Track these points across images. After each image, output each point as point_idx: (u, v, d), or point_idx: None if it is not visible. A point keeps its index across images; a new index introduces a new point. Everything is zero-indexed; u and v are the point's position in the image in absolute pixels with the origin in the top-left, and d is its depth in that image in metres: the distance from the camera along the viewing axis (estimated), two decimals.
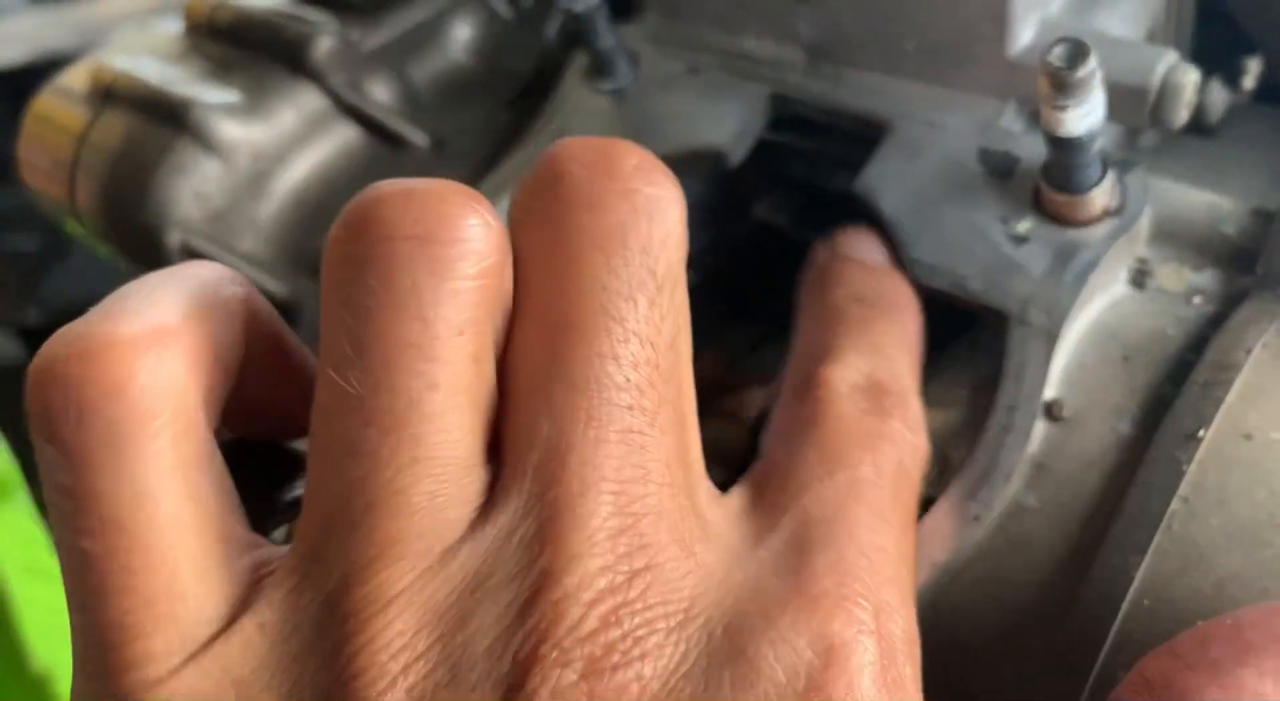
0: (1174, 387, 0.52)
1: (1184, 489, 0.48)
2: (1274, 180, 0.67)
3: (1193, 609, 0.46)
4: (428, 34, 0.81)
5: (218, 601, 0.34)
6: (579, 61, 0.73)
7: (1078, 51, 0.47)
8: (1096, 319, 0.55)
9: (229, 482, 0.37)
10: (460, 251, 0.35)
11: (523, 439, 0.35)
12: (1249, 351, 0.52)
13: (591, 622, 0.32)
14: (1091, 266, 0.54)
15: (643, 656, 0.32)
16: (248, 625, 0.33)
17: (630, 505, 0.34)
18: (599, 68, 0.71)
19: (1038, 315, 0.54)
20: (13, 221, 2.85)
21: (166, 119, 0.73)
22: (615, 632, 0.32)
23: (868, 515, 0.39)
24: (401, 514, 0.33)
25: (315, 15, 0.78)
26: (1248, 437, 0.49)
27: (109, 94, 0.77)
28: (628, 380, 0.36)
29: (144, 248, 0.74)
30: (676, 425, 0.38)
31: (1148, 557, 0.47)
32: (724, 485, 0.61)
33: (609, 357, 0.36)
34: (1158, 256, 0.58)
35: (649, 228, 0.38)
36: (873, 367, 0.48)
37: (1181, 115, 0.57)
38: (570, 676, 0.31)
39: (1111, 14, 0.61)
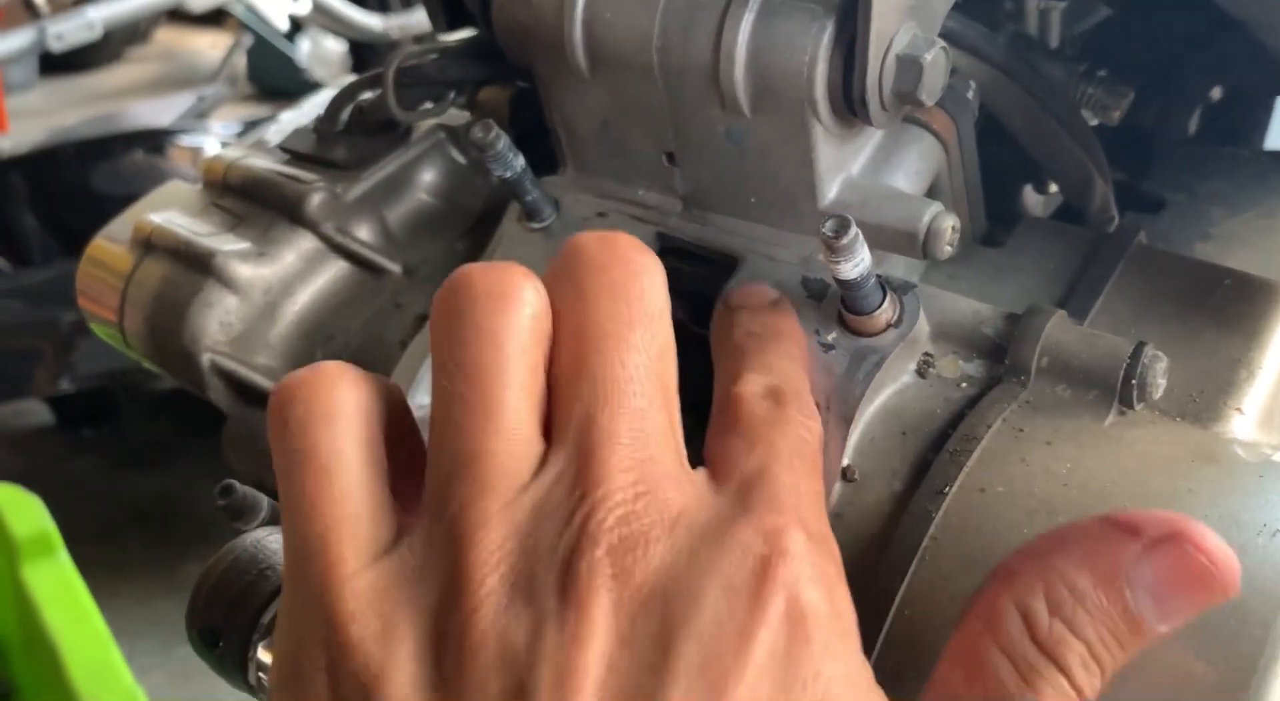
0: (935, 454, 0.70)
1: (933, 530, 0.66)
2: (1041, 283, 0.86)
3: (937, 616, 0.64)
4: (399, 180, 0.99)
5: (385, 529, 0.53)
6: (514, 206, 0.92)
7: (842, 224, 0.66)
8: (885, 403, 0.74)
9: (389, 459, 0.56)
10: (520, 301, 0.56)
11: (564, 418, 0.54)
12: (989, 426, 0.70)
13: (611, 523, 0.50)
14: (878, 366, 0.73)
15: (646, 543, 0.50)
16: (403, 546, 0.52)
17: (636, 455, 0.52)
18: (529, 213, 0.90)
19: (838, 404, 0.72)
20: (49, 296, 3.04)
21: (195, 265, 0.92)
22: (626, 529, 0.50)
23: (782, 469, 0.57)
24: (489, 466, 0.52)
25: (308, 174, 0.97)
26: (981, 491, 0.68)
27: (149, 244, 0.96)
28: (632, 378, 0.54)
29: (182, 366, 0.92)
30: (666, 408, 0.56)
31: (907, 579, 0.65)
32: None
33: (618, 364, 0.55)
34: (940, 350, 0.77)
35: (639, 281, 0.58)
36: (768, 379, 0.67)
37: (945, 250, 0.75)
38: (599, 553, 0.49)
39: (900, 171, 0.80)
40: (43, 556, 2.31)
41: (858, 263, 0.68)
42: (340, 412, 0.54)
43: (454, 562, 0.50)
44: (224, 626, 0.56)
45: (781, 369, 0.69)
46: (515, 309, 0.55)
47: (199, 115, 4.23)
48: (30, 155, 3.56)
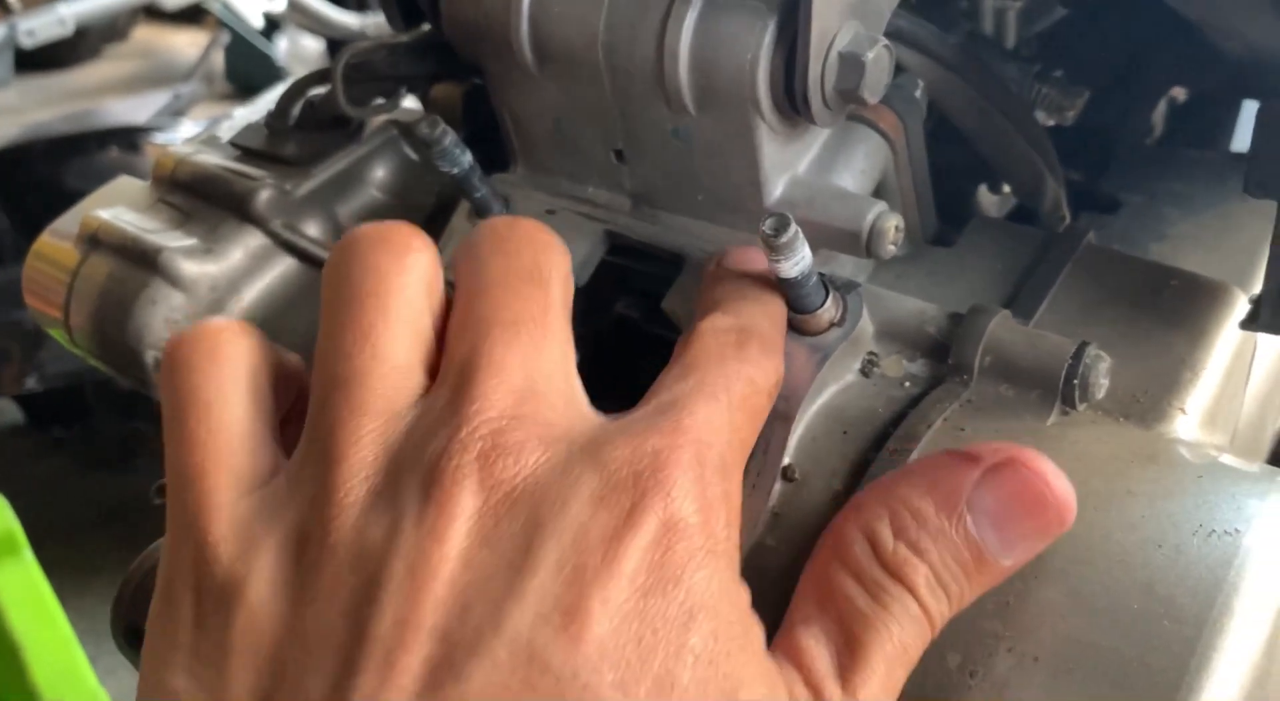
0: (875, 453, 0.70)
1: None
2: (990, 282, 0.85)
3: None
4: (351, 177, 0.99)
5: (263, 464, 0.55)
6: (464, 204, 0.91)
7: (781, 223, 0.65)
8: (828, 402, 0.73)
9: (274, 406, 0.59)
10: (406, 246, 0.58)
11: (450, 355, 0.55)
12: (930, 425, 0.70)
13: (484, 432, 0.50)
14: (820, 365, 0.72)
15: (519, 452, 0.50)
16: (280, 477, 0.54)
17: (517, 384, 0.53)
18: (478, 210, 0.89)
19: (780, 403, 0.72)
20: (16, 296, 3.01)
21: (141, 262, 0.91)
22: (500, 439, 0.50)
23: (703, 400, 0.56)
24: (364, 386, 0.53)
25: (256, 170, 0.96)
26: None
27: (95, 240, 0.94)
28: (518, 320, 0.56)
29: (126, 363, 0.91)
30: (557, 348, 0.58)
31: None
32: None
33: (505, 307, 0.56)
34: (884, 350, 0.76)
35: (534, 250, 0.60)
36: (737, 321, 0.66)
37: (888, 249, 0.75)
38: (468, 457, 0.49)
39: (846, 170, 0.79)
40: (7, 556, 2.29)
41: (798, 261, 0.67)
42: (225, 357, 0.57)
43: (322, 477, 0.51)
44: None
45: (754, 316, 0.65)
46: (400, 252, 0.58)
47: (175, 113, 4.20)
48: (2, 151, 3.53)
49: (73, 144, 3.62)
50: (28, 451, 3.41)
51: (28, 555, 2.33)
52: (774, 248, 0.66)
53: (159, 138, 3.77)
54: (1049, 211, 0.91)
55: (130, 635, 0.55)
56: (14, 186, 3.58)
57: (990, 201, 1.03)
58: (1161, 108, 1.30)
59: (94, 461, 3.37)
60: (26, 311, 2.92)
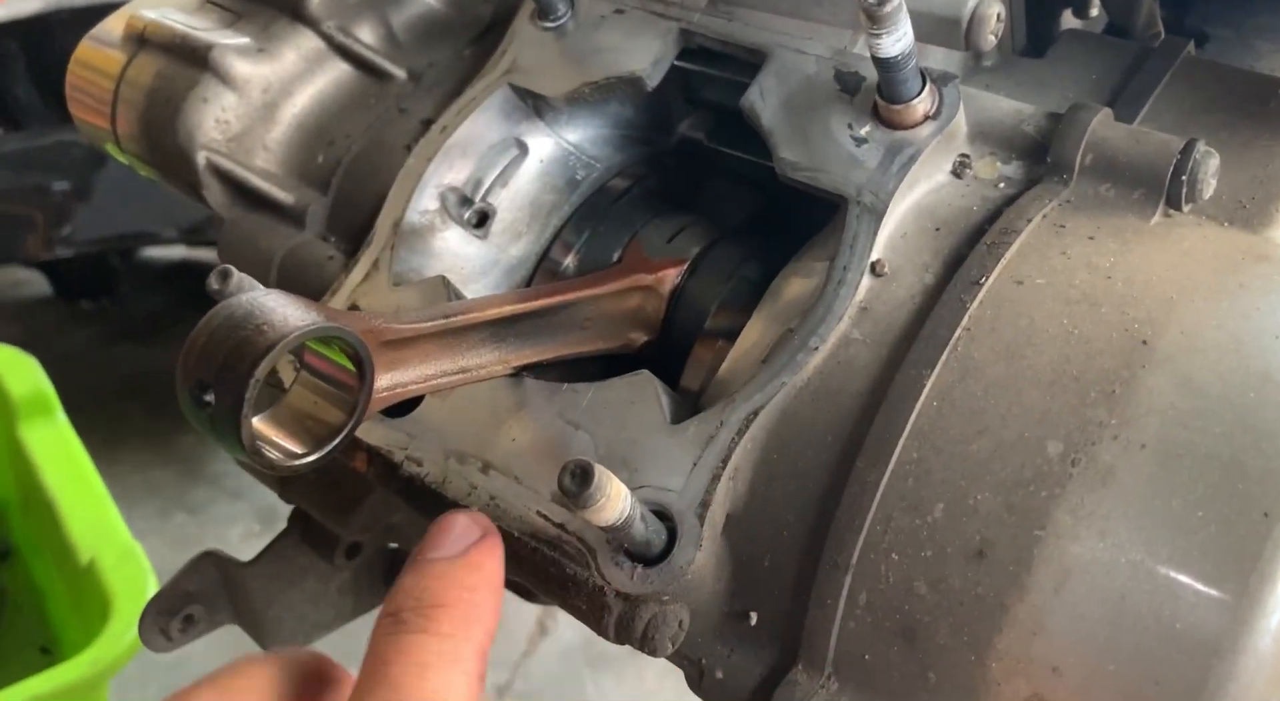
0: (969, 248, 0.66)
1: (966, 321, 0.62)
2: (1083, 92, 0.81)
3: (966, 407, 0.61)
4: None
5: None
6: (528, 4, 0.86)
7: None
8: (918, 200, 0.69)
9: None
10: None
11: None
12: (1029, 220, 0.66)
13: None
14: (913, 159, 0.68)
15: None
16: None
17: None
18: (543, 9, 0.84)
19: (869, 197, 0.68)
20: (40, 163, 2.97)
21: (192, 59, 0.87)
22: None
23: None
24: None
25: None
26: (1019, 283, 0.64)
27: (142, 39, 0.90)
28: None
29: (177, 166, 0.88)
30: None
31: (935, 370, 0.61)
32: (649, 344, 0.77)
33: None
34: (976, 151, 0.72)
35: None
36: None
37: (989, 39, 0.70)
38: None
39: None
40: (40, 416, 2.28)
41: (900, 37, 0.63)
42: None
43: None
44: (215, 381, 0.53)
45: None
46: None
47: None
48: (26, 21, 3.45)
49: (96, 15, 3.53)
50: (56, 322, 3.39)
51: (60, 416, 2.32)
52: (877, 20, 0.62)
53: None
54: (1143, 27, 0.85)
55: (196, 390, 0.52)
56: (38, 56, 3.51)
57: (1074, 25, 0.97)
58: None
59: (121, 333, 3.35)
60: (50, 180, 2.87)
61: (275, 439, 0.59)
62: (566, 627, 2.41)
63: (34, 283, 3.50)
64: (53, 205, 2.85)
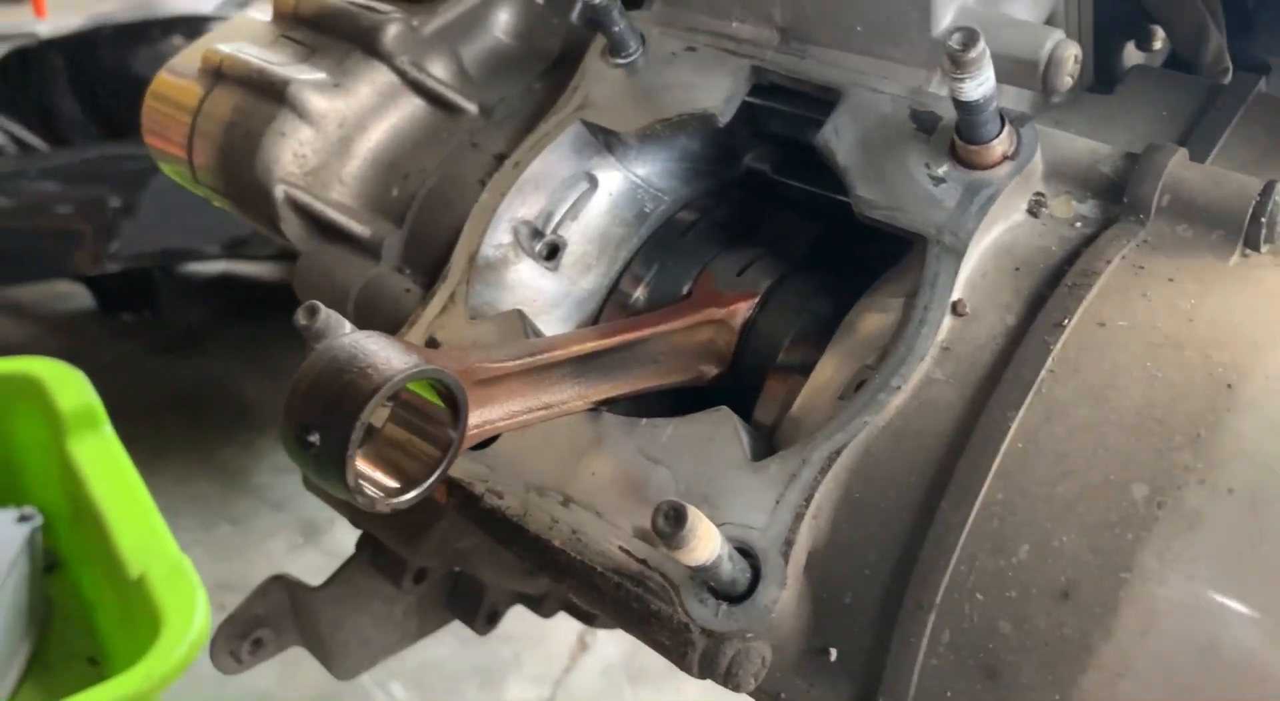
0: (1050, 289, 0.67)
1: (1050, 363, 0.63)
2: (1155, 129, 0.81)
3: (1051, 449, 0.61)
4: (475, 18, 0.95)
5: None
6: (599, 41, 0.87)
7: (970, 37, 0.62)
8: (997, 239, 0.70)
9: None
10: None
11: None
12: (1109, 262, 0.67)
13: None
14: (992, 200, 0.69)
15: None
16: None
17: None
18: (615, 47, 0.85)
19: (949, 237, 0.69)
20: (88, 176, 3.01)
21: (269, 94, 0.88)
22: None
23: None
24: None
25: (383, 5, 0.93)
26: (1101, 325, 0.64)
27: (219, 73, 0.92)
28: None
29: (254, 199, 0.89)
30: None
31: (1020, 412, 0.62)
32: (719, 377, 0.77)
33: None
34: (1051, 190, 0.73)
35: None
36: None
37: (1065, 81, 0.71)
38: None
39: (1017, 1, 0.75)
40: (88, 430, 2.31)
41: (982, 81, 0.64)
42: None
43: None
44: (321, 423, 0.54)
45: None
46: None
47: (239, 4, 4.14)
48: (70, 38, 3.51)
49: (138, 32, 3.58)
50: (98, 336, 3.43)
51: (108, 429, 2.34)
52: (960, 64, 0.62)
53: None
54: (1211, 62, 0.86)
55: (301, 431, 0.53)
56: (82, 73, 3.56)
57: (1137, 58, 0.98)
58: None
59: (162, 346, 3.39)
60: (102, 193, 2.91)
61: (373, 476, 0.60)
62: (607, 642, 2.42)
63: (77, 295, 3.54)
64: (103, 220, 2.89)
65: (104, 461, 2.27)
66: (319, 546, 2.67)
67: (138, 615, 1.97)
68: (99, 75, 3.59)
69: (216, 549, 2.75)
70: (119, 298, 3.46)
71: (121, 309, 3.54)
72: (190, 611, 1.91)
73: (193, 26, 3.75)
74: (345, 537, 2.79)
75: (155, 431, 3.04)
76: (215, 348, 3.42)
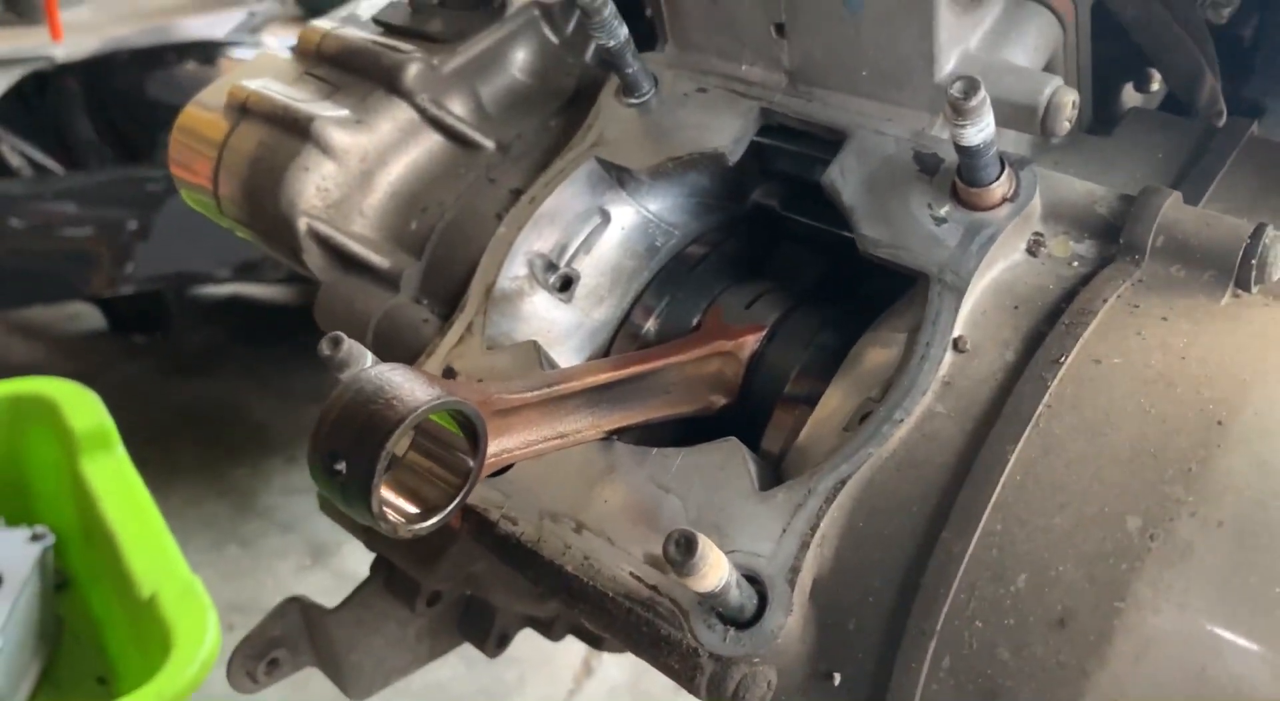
0: (1048, 327, 0.69)
1: (1048, 398, 0.65)
2: (1150, 172, 0.84)
3: (1049, 481, 0.64)
4: (494, 58, 0.98)
5: None
6: (613, 81, 0.90)
7: (971, 86, 0.64)
8: (997, 278, 0.73)
9: None
10: None
11: None
12: (1105, 300, 0.69)
13: None
14: (992, 240, 0.71)
15: None
16: None
17: None
18: (628, 87, 0.88)
19: (950, 276, 0.71)
20: (103, 199, 3.05)
21: (294, 130, 0.91)
22: None
23: None
24: None
25: (405, 44, 0.96)
26: (1097, 362, 0.67)
27: (244, 109, 0.95)
28: None
29: (278, 231, 0.92)
30: None
31: (1019, 446, 0.64)
32: (728, 407, 0.79)
33: None
34: (1050, 230, 0.75)
35: None
36: None
37: (1064, 126, 0.74)
38: None
39: (1018, 47, 0.78)
40: (100, 450, 2.33)
41: (982, 127, 0.66)
42: None
43: None
44: (348, 453, 0.56)
45: None
46: None
47: (251, 30, 4.20)
48: (85, 62, 3.55)
49: (152, 56, 3.64)
50: (109, 357, 3.47)
51: (120, 450, 2.37)
52: (962, 112, 0.65)
53: (237, 53, 3.77)
54: (1206, 105, 0.88)
55: (328, 459, 0.56)
56: (97, 96, 3.61)
57: (1135, 100, 1.01)
58: None
59: (175, 367, 3.42)
60: (117, 214, 2.94)
61: (396, 503, 0.62)
62: (612, 666, 2.44)
63: (89, 316, 3.57)
64: (118, 243, 2.92)
65: (116, 482, 2.30)
66: (327, 568, 2.69)
67: (148, 635, 1.99)
68: (114, 99, 3.64)
69: (226, 570, 2.77)
70: (131, 319, 3.50)
71: (133, 330, 3.57)
72: (201, 632, 1.93)
73: (206, 51, 3.80)
74: (353, 559, 2.82)
75: (166, 452, 3.07)
76: (225, 369, 3.45)
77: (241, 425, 3.25)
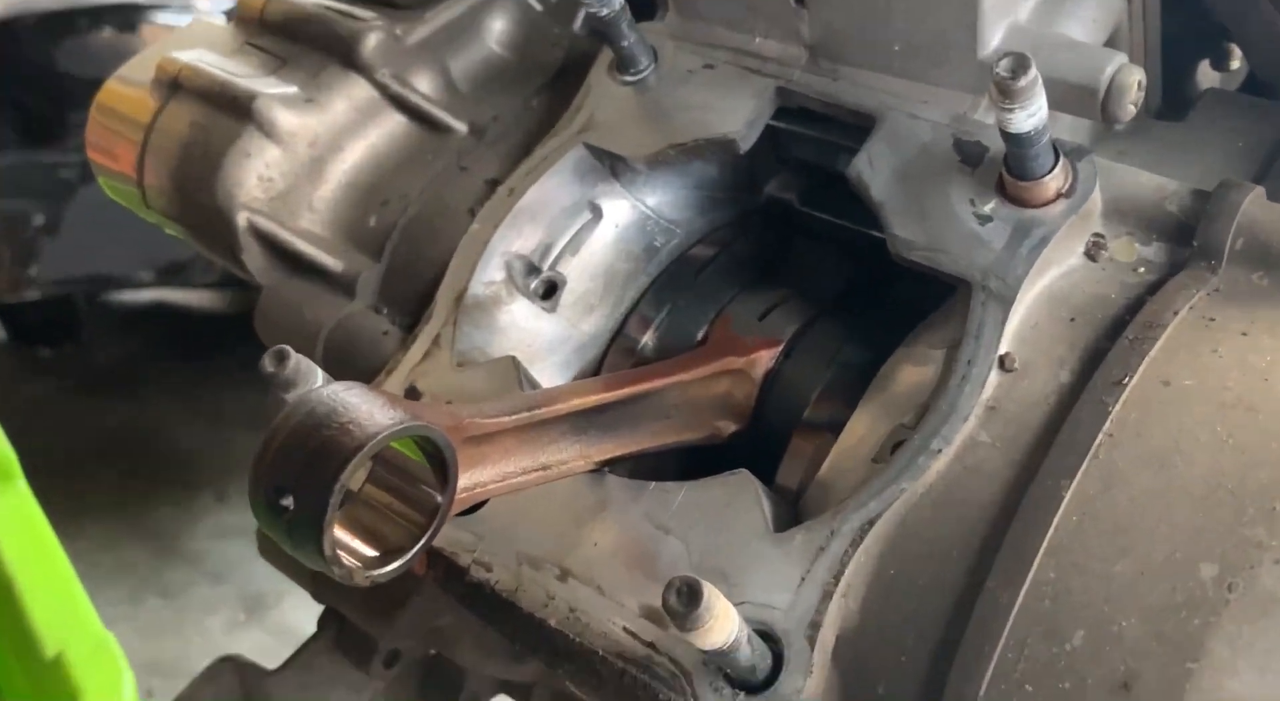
0: (1110, 343, 0.70)
1: (1108, 425, 0.66)
2: (1229, 163, 0.85)
3: (1110, 522, 0.64)
4: (465, 27, 1.00)
5: None
6: (605, 55, 0.91)
7: (1020, 63, 0.65)
8: (1050, 286, 0.74)
9: None
10: None
11: None
12: (1176, 313, 0.70)
13: None
14: (1045, 242, 0.73)
15: None
16: None
17: None
18: (623, 62, 0.89)
19: (996, 283, 0.72)
20: (6, 189, 3.05)
21: (232, 109, 0.92)
22: None
23: None
24: None
25: (363, 11, 0.97)
26: (1165, 384, 0.68)
27: (175, 84, 0.96)
28: None
29: (213, 226, 0.93)
30: None
31: (1076, 480, 0.65)
32: (737, 435, 0.81)
33: None
34: (1112, 231, 0.76)
35: None
36: None
37: (1128, 110, 0.75)
38: None
39: (1074, 19, 0.79)
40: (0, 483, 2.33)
41: (1034, 112, 0.67)
42: None
43: None
44: (296, 485, 0.56)
45: None
46: None
47: None
48: None
49: (63, 22, 3.64)
50: (10, 372, 3.46)
51: (21, 484, 2.37)
52: (1009, 93, 0.66)
53: (162, 18, 3.78)
54: None
55: (273, 495, 0.56)
56: (0, 69, 3.62)
57: (1212, 80, 1.02)
58: None
59: (88, 386, 3.41)
60: (21, 206, 2.93)
61: (351, 545, 0.63)
62: None
63: None
64: (22, 240, 2.93)
65: (16, 520, 2.29)
66: (263, 624, 2.69)
67: (53, 700, 1.99)
68: (19, 71, 3.64)
69: (146, 625, 2.77)
70: (36, 328, 3.50)
71: (39, 342, 3.57)
72: (114, 697, 1.93)
73: (124, 16, 3.81)
74: (294, 614, 2.81)
75: (77, 486, 3.06)
76: (146, 389, 3.45)
77: (165, 455, 3.25)
